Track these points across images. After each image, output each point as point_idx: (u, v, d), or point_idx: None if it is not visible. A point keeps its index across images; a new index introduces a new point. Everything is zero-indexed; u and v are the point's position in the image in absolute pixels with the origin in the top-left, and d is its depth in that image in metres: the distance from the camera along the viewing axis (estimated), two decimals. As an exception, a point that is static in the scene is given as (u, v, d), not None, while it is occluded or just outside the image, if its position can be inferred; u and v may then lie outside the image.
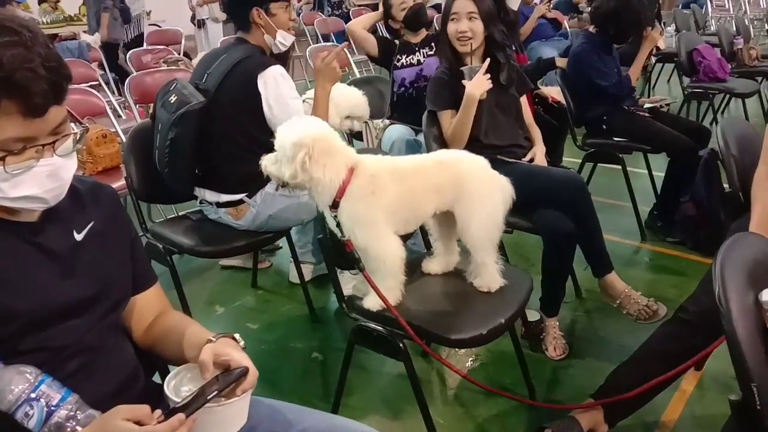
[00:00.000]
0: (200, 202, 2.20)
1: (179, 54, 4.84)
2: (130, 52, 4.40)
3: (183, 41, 6.02)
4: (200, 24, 7.66)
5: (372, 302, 1.58)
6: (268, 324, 2.49)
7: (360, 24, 3.14)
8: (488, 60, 2.18)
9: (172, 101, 2.00)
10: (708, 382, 2.01)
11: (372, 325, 1.61)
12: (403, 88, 2.96)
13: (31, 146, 0.87)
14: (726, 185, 2.23)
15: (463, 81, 2.15)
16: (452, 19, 2.22)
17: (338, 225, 1.51)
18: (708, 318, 1.39)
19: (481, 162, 1.68)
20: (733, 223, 1.91)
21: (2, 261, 0.92)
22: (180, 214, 2.33)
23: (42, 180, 0.89)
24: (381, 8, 3.14)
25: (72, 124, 0.94)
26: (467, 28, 2.20)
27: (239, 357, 0.97)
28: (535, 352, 2.16)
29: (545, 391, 2.01)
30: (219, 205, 2.13)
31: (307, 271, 2.64)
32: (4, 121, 0.83)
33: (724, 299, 1.06)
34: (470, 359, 2.18)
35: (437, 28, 2.85)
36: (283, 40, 2.13)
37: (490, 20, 2.23)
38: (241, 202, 2.11)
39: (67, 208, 1.00)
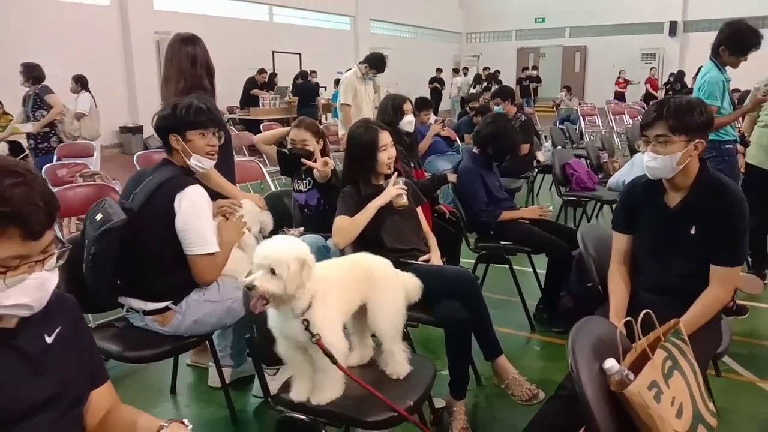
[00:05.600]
0: (126, 311, 2.32)
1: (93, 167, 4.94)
2: (45, 166, 4.47)
3: (96, 154, 6.12)
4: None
5: (297, 394, 1.77)
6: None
7: (262, 139, 3.47)
8: (402, 178, 2.66)
9: (98, 219, 2.17)
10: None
11: (296, 415, 1.79)
12: (298, 205, 3.27)
13: (24, 263, 1.06)
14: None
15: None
16: (382, 149, 2.60)
17: (307, 328, 1.67)
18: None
19: (384, 261, 2.00)
20: (596, 310, 2.30)
21: None
22: (102, 322, 2.42)
23: (31, 291, 1.08)
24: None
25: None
26: (394, 153, 2.64)
27: (189, 437, 1.15)
28: (442, 438, 2.38)
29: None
30: (145, 313, 2.26)
31: (226, 374, 2.74)
32: (7, 243, 1.03)
33: (575, 368, 1.38)
34: (385, 447, 2.36)
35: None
36: (199, 163, 2.30)
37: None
38: (167, 309, 2.26)
39: (40, 315, 1.17)
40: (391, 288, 1.91)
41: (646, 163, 2.09)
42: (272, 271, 1.61)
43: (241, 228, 2.47)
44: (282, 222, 3.22)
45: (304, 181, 3.23)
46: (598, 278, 2.36)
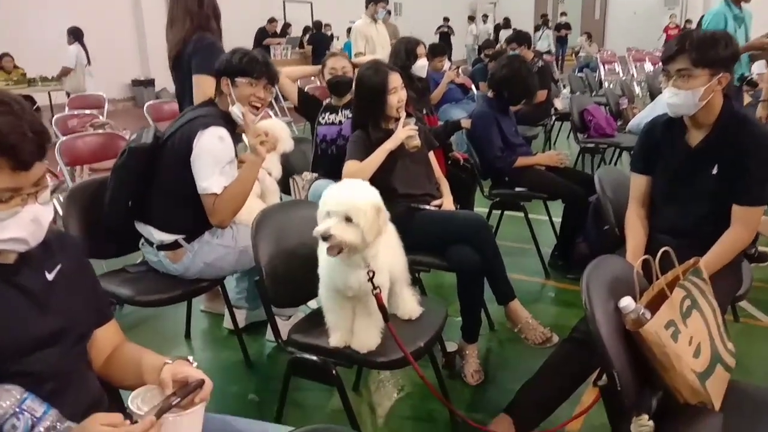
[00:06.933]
0: (142, 244, 2.34)
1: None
2: (56, 116, 4.46)
3: (106, 105, 6.09)
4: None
5: (337, 340, 1.75)
6: (203, 371, 2.58)
7: (287, 72, 3.31)
8: (413, 119, 2.56)
9: (133, 139, 2.29)
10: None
11: (307, 356, 1.79)
12: (324, 144, 3.19)
13: (17, 196, 1.03)
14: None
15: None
16: (392, 92, 2.50)
17: (370, 279, 1.64)
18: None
19: None
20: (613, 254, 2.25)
21: None
22: (115, 269, 2.42)
23: (26, 224, 1.05)
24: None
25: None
26: (405, 96, 2.55)
27: (195, 373, 1.14)
28: (454, 380, 2.38)
29: (465, 411, 2.21)
30: (158, 248, 2.26)
31: (241, 318, 2.76)
32: None
33: (589, 306, 1.34)
34: (397, 390, 2.37)
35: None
36: (238, 112, 2.24)
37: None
38: (178, 245, 2.26)
39: (39, 252, 1.15)
40: (391, 228, 1.83)
41: (667, 99, 2.00)
42: (347, 219, 1.55)
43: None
44: (294, 170, 3.17)
45: (345, 111, 3.14)
46: (615, 221, 2.30)
